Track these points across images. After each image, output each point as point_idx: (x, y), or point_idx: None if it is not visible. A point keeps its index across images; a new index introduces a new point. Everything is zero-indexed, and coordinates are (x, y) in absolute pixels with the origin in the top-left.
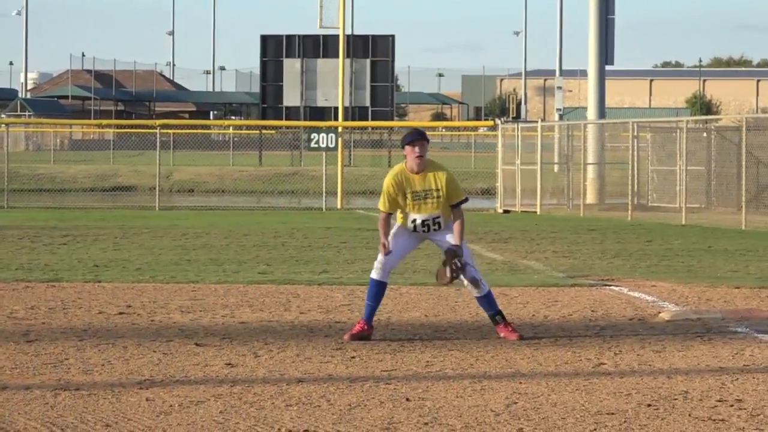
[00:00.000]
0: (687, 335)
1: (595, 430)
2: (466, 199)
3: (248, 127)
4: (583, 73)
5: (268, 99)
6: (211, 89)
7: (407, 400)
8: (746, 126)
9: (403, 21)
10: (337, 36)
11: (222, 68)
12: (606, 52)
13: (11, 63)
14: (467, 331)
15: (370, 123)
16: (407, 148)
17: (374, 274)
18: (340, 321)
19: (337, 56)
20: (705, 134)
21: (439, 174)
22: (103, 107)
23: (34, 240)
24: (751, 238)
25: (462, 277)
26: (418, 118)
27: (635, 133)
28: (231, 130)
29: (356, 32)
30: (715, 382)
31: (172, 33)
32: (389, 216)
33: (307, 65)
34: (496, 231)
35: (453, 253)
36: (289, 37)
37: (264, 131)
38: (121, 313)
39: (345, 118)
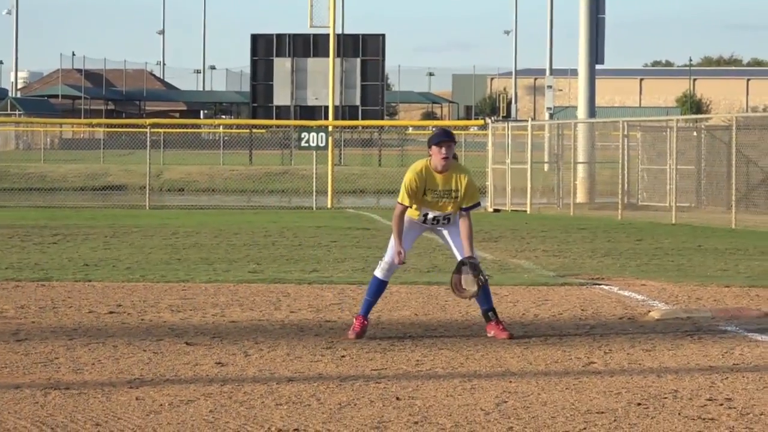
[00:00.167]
0: (677, 334)
1: (585, 429)
2: (479, 204)
3: (239, 127)
4: (574, 72)
5: (258, 98)
6: (201, 88)
7: (397, 399)
8: (736, 125)
9: (394, 20)
10: (328, 35)
11: (212, 67)
12: (596, 52)
13: (1, 62)
14: (457, 330)
15: (360, 122)
16: (434, 148)
17: (379, 273)
18: (330, 320)
19: (327, 55)
20: (695, 133)
21: (462, 176)
22: (94, 106)
23: (24, 239)
24: (741, 237)
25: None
26: (409, 117)
27: (625, 132)
28: (221, 129)
29: (347, 31)
30: (705, 381)
31: (162, 32)
32: (406, 210)
33: (298, 64)
34: (487, 230)
35: (477, 268)
36: (280, 37)
37: (254, 130)
38: (111, 312)
39: (335, 118)
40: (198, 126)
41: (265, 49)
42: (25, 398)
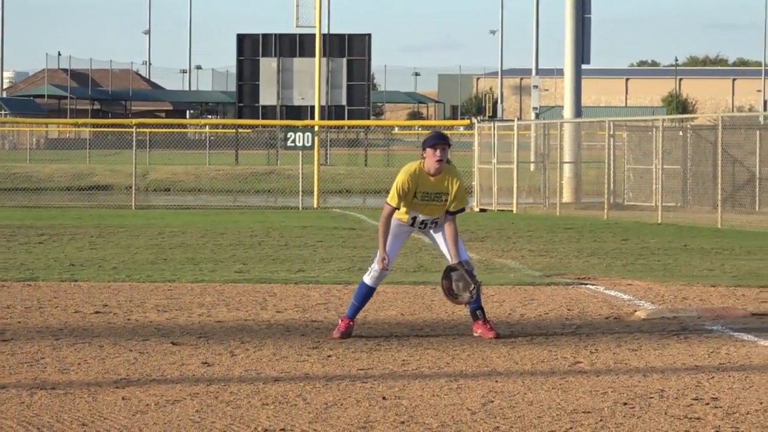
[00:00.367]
0: (663, 334)
1: (571, 428)
2: (464, 210)
3: (224, 126)
4: (560, 72)
5: (244, 98)
6: (187, 88)
7: (384, 398)
8: (722, 125)
9: (380, 20)
10: (314, 35)
11: (198, 67)
12: (582, 51)
13: None
14: (443, 330)
15: (346, 122)
16: (428, 150)
17: (368, 280)
18: (316, 320)
19: (313, 55)
20: (681, 133)
21: (454, 180)
22: (80, 106)
23: (9, 239)
24: (727, 237)
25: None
26: (395, 117)
27: (611, 132)
28: (207, 129)
29: (332, 31)
30: (691, 380)
31: (148, 32)
32: (394, 211)
33: (284, 64)
34: (473, 230)
35: (471, 275)
36: (266, 36)
37: (240, 130)
38: (97, 312)
39: (321, 117)
40: (184, 126)
41: (251, 49)
42: (11, 398)
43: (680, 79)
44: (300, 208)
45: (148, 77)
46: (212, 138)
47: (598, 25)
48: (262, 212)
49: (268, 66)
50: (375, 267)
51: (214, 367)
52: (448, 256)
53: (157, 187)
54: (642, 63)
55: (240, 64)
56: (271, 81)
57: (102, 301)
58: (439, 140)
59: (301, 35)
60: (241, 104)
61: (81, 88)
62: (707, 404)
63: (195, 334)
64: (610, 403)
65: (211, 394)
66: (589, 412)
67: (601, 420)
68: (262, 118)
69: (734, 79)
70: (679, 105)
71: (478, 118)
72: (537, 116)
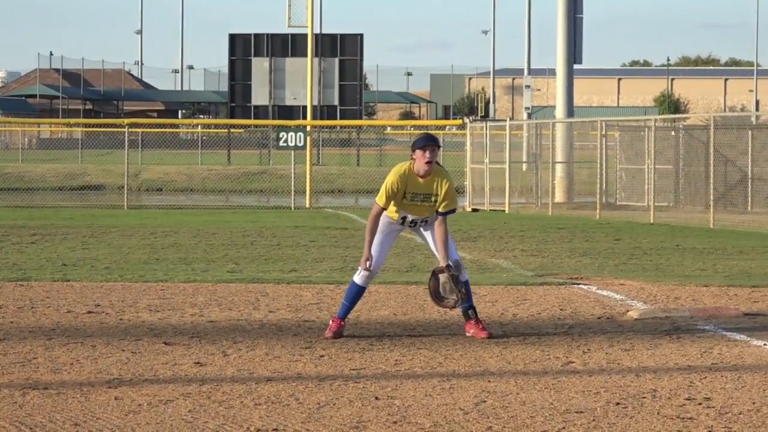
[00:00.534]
0: (655, 334)
1: (563, 428)
2: (454, 211)
3: (217, 126)
4: (552, 72)
5: (236, 98)
6: (179, 88)
7: (376, 398)
8: (714, 125)
9: (372, 20)
10: (306, 35)
11: (190, 67)
12: (574, 51)
13: None
14: (436, 330)
15: (338, 122)
16: (418, 152)
17: (358, 279)
18: (309, 320)
19: (305, 55)
20: (673, 133)
21: (443, 181)
22: (72, 106)
23: (2, 239)
24: (719, 237)
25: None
26: (387, 116)
27: (603, 132)
28: (199, 129)
29: (324, 31)
30: (684, 380)
31: (140, 32)
32: (382, 211)
33: (276, 64)
34: (465, 230)
35: (457, 280)
36: (258, 36)
37: (232, 130)
38: (89, 312)
39: (313, 117)
40: (176, 126)
41: (243, 48)
42: (3, 398)
43: (672, 79)
44: (292, 208)
45: (140, 77)
46: (204, 138)
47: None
48: (254, 212)
49: (260, 66)
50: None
51: (207, 367)
52: (437, 254)
53: (149, 187)
54: (634, 63)
55: (232, 63)
56: (263, 81)
57: (94, 301)
58: (428, 142)
59: (293, 35)
60: (233, 104)
61: (73, 88)
62: (700, 404)
63: (187, 334)
64: (602, 403)
65: (204, 394)
66: (581, 412)
67: (593, 420)
68: (254, 118)
69: (726, 79)
70: (671, 105)
71: (471, 118)
72: (529, 116)
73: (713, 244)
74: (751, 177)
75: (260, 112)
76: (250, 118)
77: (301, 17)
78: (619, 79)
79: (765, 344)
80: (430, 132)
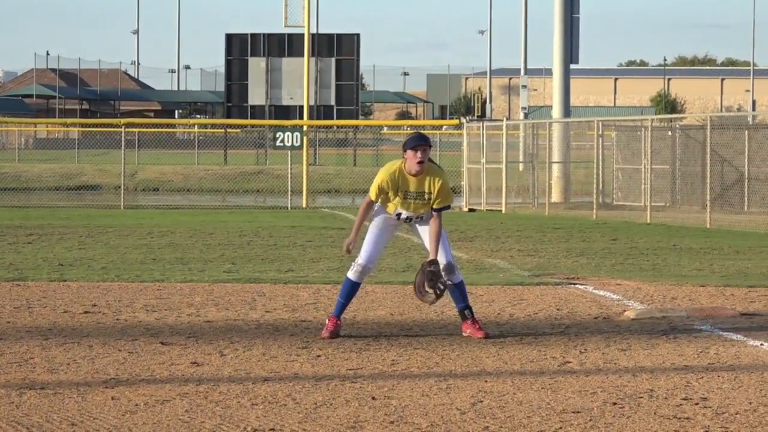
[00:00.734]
0: (652, 334)
1: (560, 428)
2: (449, 207)
3: (213, 126)
4: (548, 72)
5: (233, 98)
6: (176, 88)
7: (373, 398)
8: (711, 125)
9: (368, 20)
10: (302, 35)
11: (187, 67)
12: (571, 51)
13: None
14: (433, 330)
15: (335, 122)
16: (409, 152)
17: (351, 275)
18: (305, 320)
19: (302, 55)
20: (670, 133)
21: (436, 179)
22: (68, 106)
23: None
24: (716, 237)
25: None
26: (384, 116)
27: (600, 132)
28: (196, 129)
29: (321, 31)
30: (680, 380)
31: (136, 32)
32: (373, 204)
33: (273, 64)
34: (462, 230)
35: (437, 276)
36: (254, 36)
37: (229, 130)
38: (86, 312)
39: (310, 117)
40: (173, 126)
41: (239, 48)
42: (0, 398)
43: (669, 79)
44: (289, 208)
45: (136, 77)
46: (201, 138)
47: (587, 24)
48: (251, 212)
49: (256, 66)
50: (359, 262)
51: (204, 367)
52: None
53: (146, 186)
54: (630, 63)
55: (228, 63)
56: (259, 81)
57: (91, 300)
58: (419, 142)
59: (289, 35)
60: (230, 104)
61: (69, 88)
62: (696, 404)
63: (184, 334)
64: (599, 403)
65: (201, 394)
66: (578, 412)
67: (590, 420)
68: (251, 118)
69: (723, 79)
70: (667, 105)
71: (467, 117)
72: (526, 116)
73: (710, 244)
74: (748, 177)
75: (257, 112)
76: (246, 118)
77: (298, 17)
78: (616, 79)
79: (762, 344)
80: (421, 131)
